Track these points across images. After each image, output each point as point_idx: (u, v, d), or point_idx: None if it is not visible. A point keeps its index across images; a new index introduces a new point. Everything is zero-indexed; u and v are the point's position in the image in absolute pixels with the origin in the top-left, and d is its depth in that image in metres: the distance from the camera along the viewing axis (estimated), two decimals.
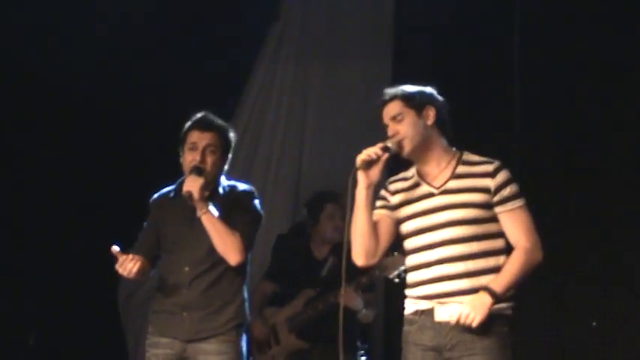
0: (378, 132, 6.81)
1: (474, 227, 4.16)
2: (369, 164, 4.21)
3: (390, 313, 6.66)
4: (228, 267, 4.78)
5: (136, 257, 4.61)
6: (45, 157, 6.53)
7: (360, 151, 4.25)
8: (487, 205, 4.18)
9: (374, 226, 4.27)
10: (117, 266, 4.60)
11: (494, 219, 4.19)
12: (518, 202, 4.20)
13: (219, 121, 4.89)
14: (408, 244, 4.29)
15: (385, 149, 4.23)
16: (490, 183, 4.18)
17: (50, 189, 6.52)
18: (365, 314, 5.96)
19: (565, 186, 6.28)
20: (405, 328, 4.28)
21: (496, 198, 4.18)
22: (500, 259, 4.19)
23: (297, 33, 7.10)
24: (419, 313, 4.23)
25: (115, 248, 4.56)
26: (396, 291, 6.38)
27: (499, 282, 4.12)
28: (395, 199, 4.32)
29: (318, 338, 5.98)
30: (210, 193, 4.77)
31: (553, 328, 6.22)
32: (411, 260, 4.28)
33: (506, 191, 4.18)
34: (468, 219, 4.16)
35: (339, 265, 5.99)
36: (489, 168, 4.21)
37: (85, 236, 6.44)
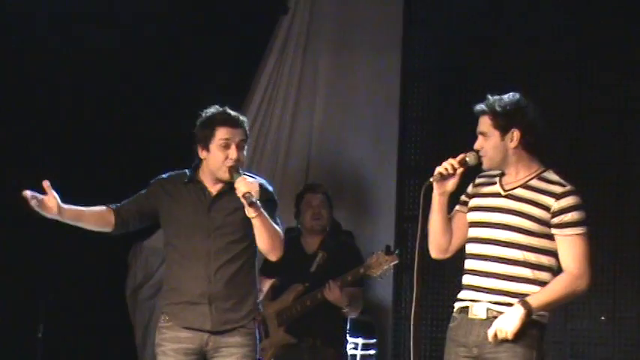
0: (385, 125, 6.92)
1: (525, 237, 4.27)
2: (444, 177, 4.36)
3: (399, 308, 6.68)
4: (247, 258, 4.82)
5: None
6: (52, 153, 6.53)
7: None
8: (544, 222, 4.26)
9: (448, 224, 4.46)
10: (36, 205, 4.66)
11: (548, 236, 4.28)
12: (578, 230, 4.26)
13: (243, 116, 4.94)
14: (469, 233, 4.44)
15: (463, 163, 4.36)
16: (553, 203, 4.25)
17: (58, 182, 6.51)
18: (349, 310, 5.98)
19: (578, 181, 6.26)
20: (449, 325, 4.44)
21: (555, 220, 4.26)
22: (541, 274, 4.28)
23: (305, 25, 7.08)
24: (459, 310, 4.40)
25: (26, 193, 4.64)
26: (406, 287, 6.47)
27: (538, 298, 4.24)
28: (472, 191, 4.49)
29: (307, 333, 6.01)
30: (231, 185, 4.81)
31: (561, 323, 6.21)
32: (467, 248, 4.44)
33: (567, 217, 4.25)
34: (521, 227, 4.27)
35: (329, 261, 6.09)
36: (558, 190, 4.28)
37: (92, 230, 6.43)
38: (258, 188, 4.66)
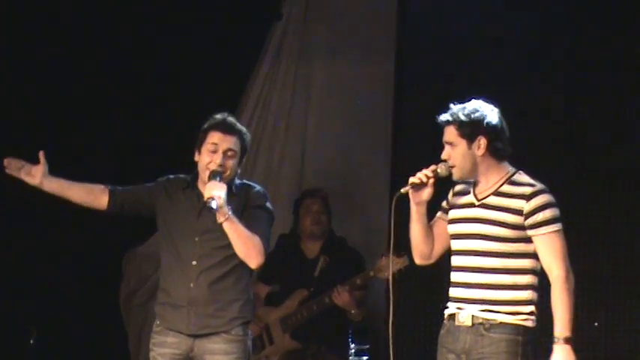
0: (378, 131, 6.92)
1: (501, 244, 4.30)
2: (417, 187, 4.40)
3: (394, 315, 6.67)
4: (237, 264, 4.79)
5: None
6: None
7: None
8: (518, 227, 4.30)
9: (428, 232, 4.50)
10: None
11: (525, 239, 4.31)
12: (552, 227, 4.28)
13: (240, 125, 4.91)
14: (451, 245, 4.48)
15: (435, 173, 4.40)
16: (524, 206, 4.29)
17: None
18: (356, 313, 6.01)
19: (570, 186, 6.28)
20: (440, 332, 4.48)
21: (528, 222, 4.28)
22: (523, 277, 4.32)
23: (299, 31, 7.10)
24: (448, 317, 4.44)
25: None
26: (400, 294, 6.46)
27: (563, 325, 4.26)
28: (451, 200, 4.53)
29: (312, 338, 6.01)
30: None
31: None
32: (451, 260, 4.48)
33: (540, 216, 4.27)
34: (496, 236, 4.30)
35: (331, 265, 6.09)
36: (527, 191, 4.31)
37: (86, 234, 6.43)
38: (223, 195, 4.64)
